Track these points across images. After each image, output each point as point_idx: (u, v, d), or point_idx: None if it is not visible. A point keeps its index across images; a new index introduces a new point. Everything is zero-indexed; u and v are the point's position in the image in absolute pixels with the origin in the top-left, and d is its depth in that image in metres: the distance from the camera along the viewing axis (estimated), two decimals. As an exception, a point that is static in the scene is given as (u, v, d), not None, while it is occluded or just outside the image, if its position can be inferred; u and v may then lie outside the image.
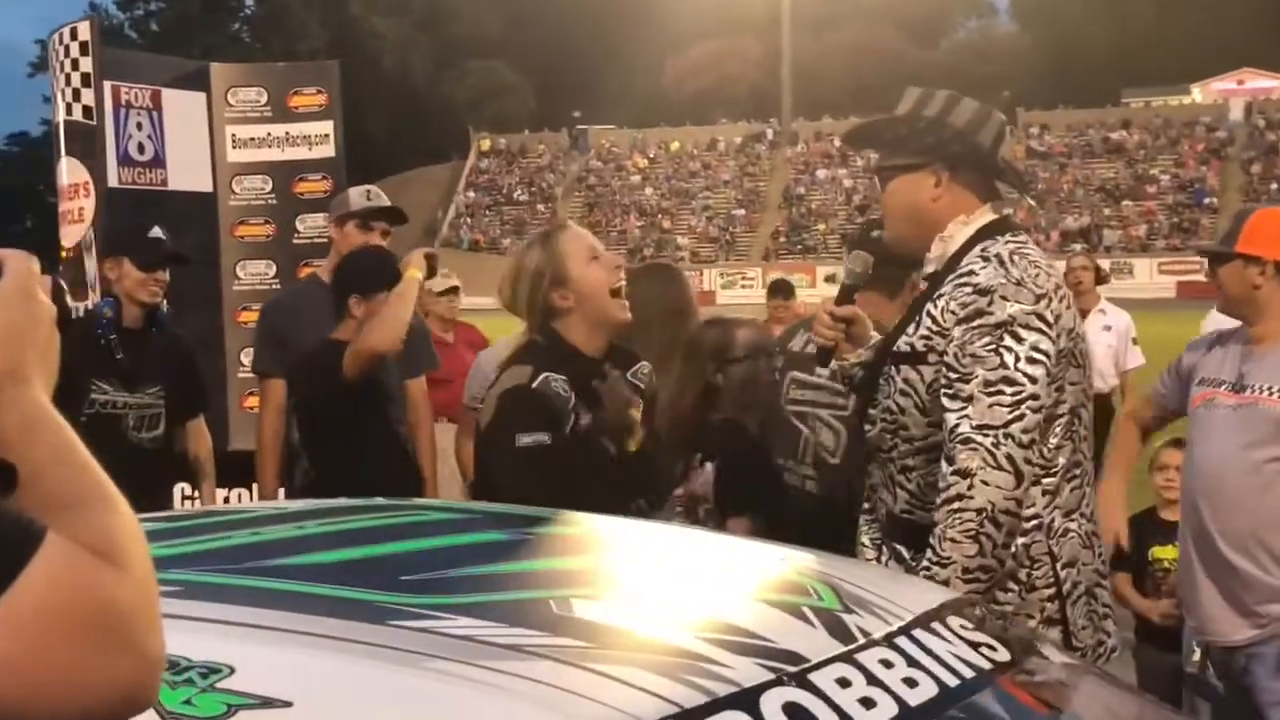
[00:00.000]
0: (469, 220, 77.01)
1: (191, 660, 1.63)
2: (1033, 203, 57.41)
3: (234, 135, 8.36)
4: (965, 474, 3.03)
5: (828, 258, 59.84)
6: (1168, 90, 78.48)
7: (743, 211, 73.86)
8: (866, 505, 3.53)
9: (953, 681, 1.92)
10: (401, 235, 6.02)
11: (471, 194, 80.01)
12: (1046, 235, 64.72)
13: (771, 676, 1.74)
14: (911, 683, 1.87)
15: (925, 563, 3.08)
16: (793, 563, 2.39)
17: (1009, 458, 3.04)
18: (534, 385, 3.59)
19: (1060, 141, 74.50)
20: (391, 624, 1.81)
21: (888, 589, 2.26)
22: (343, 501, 2.87)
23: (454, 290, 8.04)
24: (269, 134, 8.40)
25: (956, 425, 3.07)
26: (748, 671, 1.74)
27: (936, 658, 1.96)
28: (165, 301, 5.60)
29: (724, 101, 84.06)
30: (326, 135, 8.40)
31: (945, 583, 2.98)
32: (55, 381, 1.25)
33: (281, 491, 5.75)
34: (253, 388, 7.86)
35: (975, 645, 2.07)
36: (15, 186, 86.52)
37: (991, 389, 3.05)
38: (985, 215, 3.33)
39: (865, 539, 3.50)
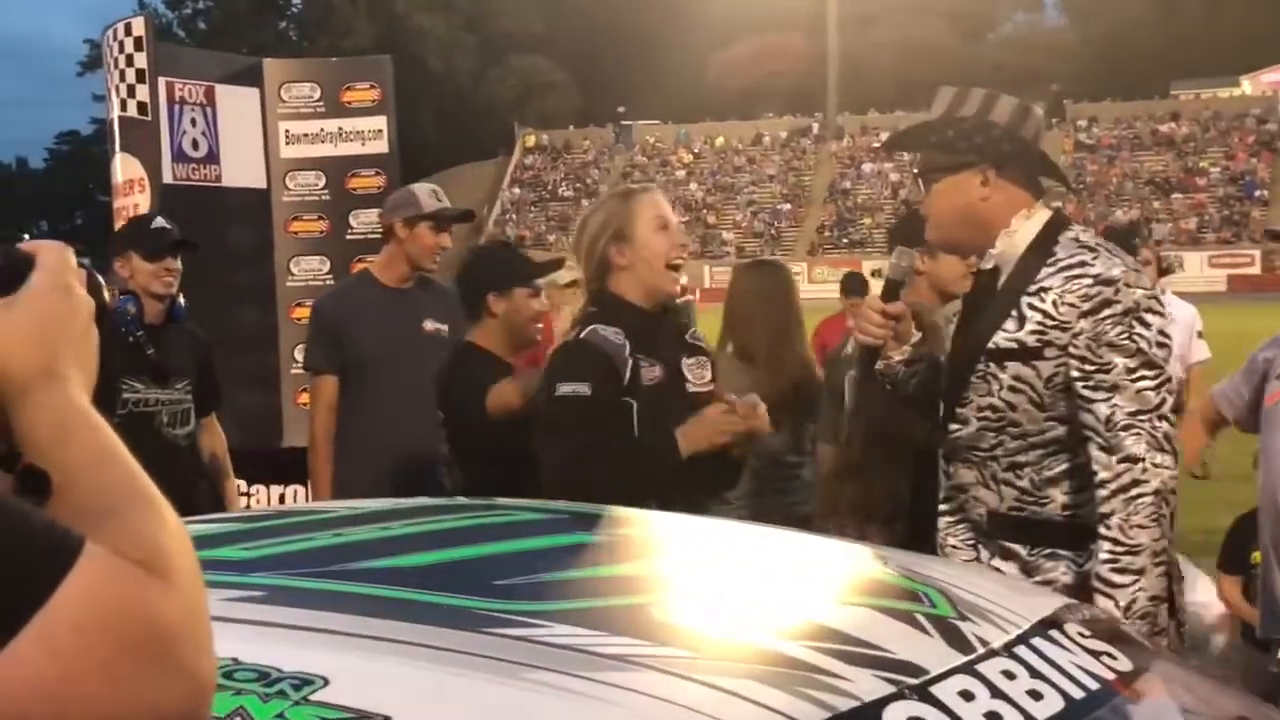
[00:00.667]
0: (514, 216, 77.12)
1: (283, 671, 1.54)
2: (1075, 195, 56.96)
3: (287, 131, 8.33)
4: (1135, 460, 3.10)
5: (874, 252, 59.53)
6: (1217, 82, 77.69)
7: (788, 206, 73.67)
8: (946, 507, 3.49)
9: (1078, 694, 1.82)
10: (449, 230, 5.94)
11: (517, 190, 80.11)
12: (1095, 228, 64.32)
13: (892, 690, 1.64)
14: (1036, 695, 1.76)
15: (1108, 555, 3.11)
16: (896, 565, 2.28)
17: (1166, 437, 3.14)
18: (581, 336, 3.75)
19: (1109, 134, 73.95)
20: (488, 631, 1.71)
21: (998, 593, 2.15)
22: (423, 501, 2.78)
23: (576, 283, 8.00)
24: (322, 129, 8.37)
25: (1111, 415, 3.12)
26: (867, 684, 1.63)
27: (1059, 668, 1.86)
28: (181, 296, 5.54)
29: (769, 96, 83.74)
30: (380, 130, 8.37)
31: (1141, 571, 3.07)
32: (95, 379, 1.18)
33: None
34: (306, 384, 7.83)
35: (1096, 654, 1.96)
36: (66, 184, 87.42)
37: (1135, 375, 3.12)
38: (1043, 210, 3.35)
39: (954, 540, 3.47)
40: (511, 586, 1.94)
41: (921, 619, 1.91)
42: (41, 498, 1.04)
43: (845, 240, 68.81)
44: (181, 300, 5.51)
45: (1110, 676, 1.92)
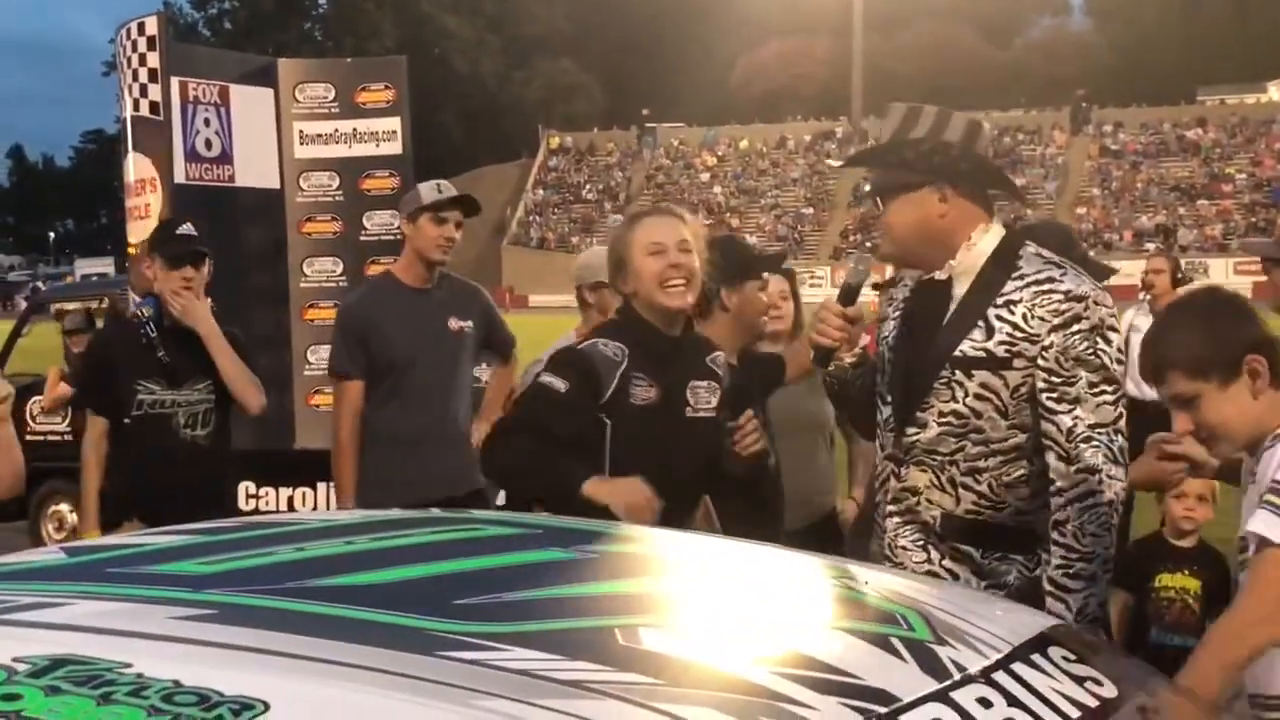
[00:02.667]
0: (538, 218, 77.15)
1: (224, 695, 1.49)
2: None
3: (301, 131, 8.31)
4: (1093, 470, 3.23)
5: (898, 257, 59.40)
6: (1243, 88, 77.32)
7: (811, 210, 73.53)
8: (894, 508, 3.54)
9: (1057, 722, 1.75)
10: (472, 232, 5.92)
11: (541, 192, 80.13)
12: (1120, 235, 64.03)
13: (859, 718, 1.58)
14: (1012, 725, 1.70)
15: (1061, 560, 3.23)
16: (877, 585, 2.22)
17: (1121, 451, 3.27)
18: (581, 345, 3.91)
19: (1134, 140, 73.60)
20: (441, 655, 1.66)
21: (981, 615, 2.09)
22: (395, 514, 2.73)
23: None
24: (336, 130, 8.34)
25: (1073, 426, 3.24)
26: (832, 713, 1.58)
27: (1039, 695, 1.80)
28: (210, 300, 5.55)
29: (794, 100, 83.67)
30: (394, 132, 8.34)
31: (1093, 578, 3.22)
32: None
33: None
34: (319, 385, 7.80)
35: (1080, 680, 1.90)
36: (91, 183, 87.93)
37: (1096, 389, 3.25)
38: (998, 225, 3.47)
39: (904, 542, 3.53)
40: (471, 606, 1.88)
41: (896, 643, 1.85)
42: None
43: (868, 244, 68.67)
44: (210, 303, 5.53)
45: (1093, 704, 1.86)
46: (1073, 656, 1.99)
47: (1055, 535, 3.25)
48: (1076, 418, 3.25)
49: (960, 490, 3.41)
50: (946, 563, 3.44)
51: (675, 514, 3.80)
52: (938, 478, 3.43)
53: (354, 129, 8.34)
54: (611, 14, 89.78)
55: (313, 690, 1.60)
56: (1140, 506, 5.49)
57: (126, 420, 5.43)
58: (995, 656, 1.88)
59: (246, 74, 8.34)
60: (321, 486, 7.51)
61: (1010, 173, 73.78)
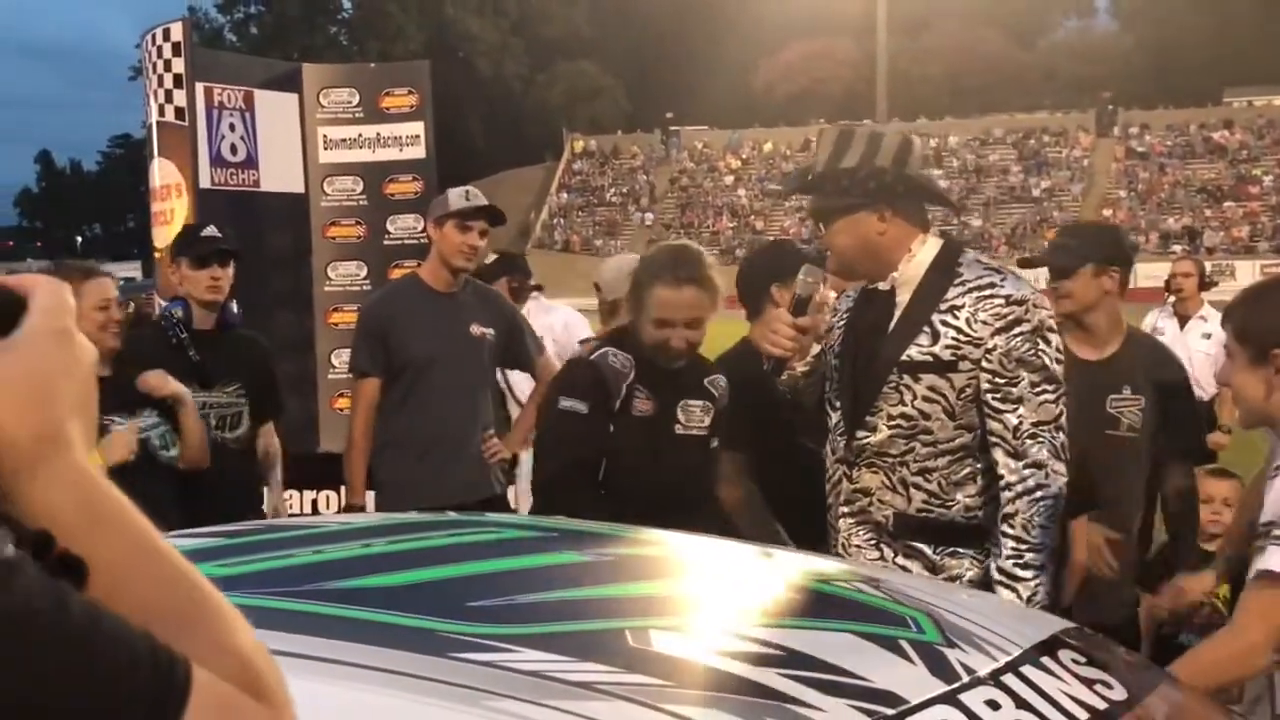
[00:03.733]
0: (562, 221, 77.15)
1: (238, 696, 1.51)
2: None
3: (325, 136, 8.36)
4: (1039, 465, 3.39)
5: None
6: (1271, 90, 76.70)
7: (836, 213, 73.29)
8: (847, 509, 3.66)
9: (1065, 724, 1.76)
10: (495, 236, 5.95)
11: (565, 195, 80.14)
12: (1146, 237, 63.72)
13: (866, 720, 1.60)
14: (1020, 726, 1.71)
15: (1012, 550, 3.38)
16: (888, 588, 2.23)
17: (1063, 446, 3.45)
18: (592, 358, 4.11)
19: (1160, 141, 73.26)
20: (454, 657, 1.68)
21: (992, 619, 2.10)
22: (413, 516, 2.75)
23: None
24: (360, 135, 8.39)
25: (1019, 424, 3.41)
26: (839, 714, 1.59)
27: (1047, 697, 1.81)
28: (235, 303, 5.59)
29: (818, 102, 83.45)
30: (417, 136, 8.38)
31: (1042, 567, 3.38)
32: (95, 439, 0.99)
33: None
34: (343, 389, 7.84)
35: (1089, 682, 1.91)
36: (119, 187, 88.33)
37: (1038, 388, 3.42)
38: (935, 237, 3.64)
39: (858, 541, 3.65)
40: (485, 608, 1.90)
41: (905, 645, 1.86)
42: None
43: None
44: (235, 306, 5.57)
45: (1103, 706, 1.87)
46: (1082, 659, 2.00)
47: (1005, 527, 3.40)
48: (1021, 416, 3.40)
49: (911, 490, 3.55)
50: (900, 560, 3.57)
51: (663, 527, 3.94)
52: (889, 479, 3.58)
53: (378, 134, 8.40)
54: (634, 17, 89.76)
55: (325, 691, 1.61)
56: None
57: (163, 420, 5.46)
58: (1004, 659, 1.89)
59: (271, 79, 8.40)
60: (345, 488, 7.55)
61: (1036, 175, 73.67)
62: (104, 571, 0.90)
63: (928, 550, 3.54)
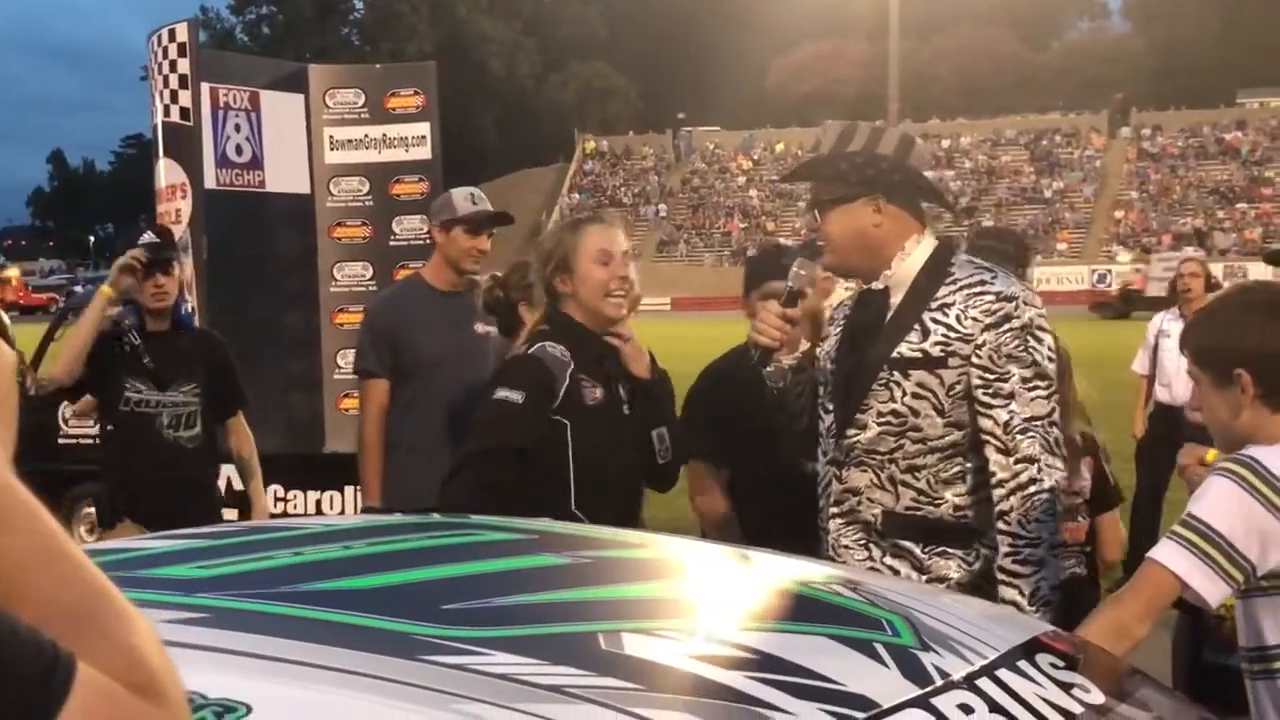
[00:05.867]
0: (573, 222, 77.16)
1: (206, 698, 1.51)
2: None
3: (331, 137, 8.37)
4: (1032, 460, 3.38)
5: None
6: (1284, 91, 76.72)
7: (848, 213, 73.24)
8: (837, 510, 3.67)
9: (1038, 729, 1.76)
10: (507, 237, 5.96)
11: (576, 196, 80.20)
12: (1158, 238, 63.60)
13: (836, 723, 1.59)
14: (992, 730, 1.71)
15: (1009, 548, 3.37)
16: (866, 590, 2.23)
17: (1057, 442, 3.44)
18: (531, 350, 4.05)
19: (1173, 143, 73.20)
20: (425, 659, 1.67)
21: (971, 622, 2.09)
22: (396, 519, 2.75)
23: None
24: (366, 135, 8.40)
25: (1009, 420, 3.40)
26: (810, 718, 1.59)
27: (1022, 701, 1.80)
28: (191, 305, 5.73)
29: (830, 103, 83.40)
30: (423, 137, 8.38)
31: (1041, 562, 3.36)
32: (13, 447, 1.01)
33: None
34: (349, 389, 7.85)
35: (1067, 686, 1.91)
36: (130, 187, 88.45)
37: (1029, 384, 3.40)
38: (930, 237, 3.62)
39: (846, 541, 3.65)
40: (458, 611, 1.90)
41: (880, 649, 1.86)
42: None
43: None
44: (188, 308, 5.68)
45: (1078, 710, 1.86)
46: (1061, 663, 1.99)
47: (1001, 525, 3.39)
48: (1012, 411, 3.39)
49: (900, 488, 3.55)
50: (888, 560, 3.58)
51: (625, 512, 4.01)
52: (878, 476, 3.57)
53: (384, 134, 8.41)
54: (647, 17, 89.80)
55: (295, 693, 1.62)
56: (1171, 511, 5.43)
57: (115, 415, 5.64)
58: (980, 663, 1.89)
59: (277, 80, 8.41)
60: (350, 490, 7.56)
61: (1048, 176, 73.54)
62: (6, 572, 0.91)
63: (916, 550, 3.54)
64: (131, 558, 2.31)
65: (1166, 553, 2.70)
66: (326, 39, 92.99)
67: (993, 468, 3.42)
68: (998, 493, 3.41)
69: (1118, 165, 72.37)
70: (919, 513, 3.53)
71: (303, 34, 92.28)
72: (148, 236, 5.66)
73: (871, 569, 3.51)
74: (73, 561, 0.94)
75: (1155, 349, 9.62)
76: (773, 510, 4.24)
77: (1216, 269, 10.32)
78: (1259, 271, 54.65)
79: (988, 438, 3.43)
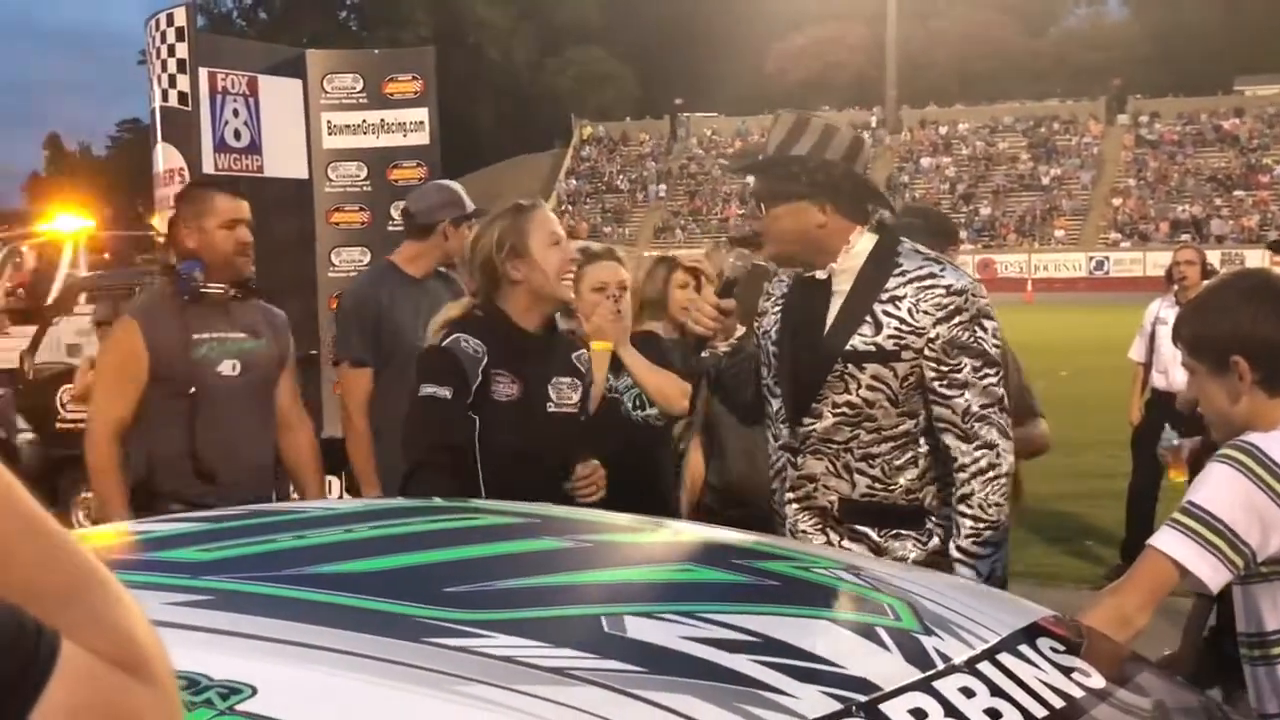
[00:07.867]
0: (570, 208, 77.13)
1: (212, 679, 1.52)
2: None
3: (330, 122, 8.35)
4: (990, 446, 3.54)
5: (931, 247, 59.05)
6: (1282, 78, 76.64)
7: (845, 199, 73.16)
8: (793, 495, 3.74)
9: (1040, 712, 1.77)
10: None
11: (573, 182, 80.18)
12: (1156, 226, 63.60)
13: (839, 707, 1.60)
14: (994, 714, 1.72)
15: (970, 530, 3.51)
16: (868, 575, 2.24)
17: (1009, 424, 3.60)
18: (444, 344, 4.03)
19: (1171, 130, 73.11)
20: (428, 641, 1.68)
21: (973, 607, 2.10)
22: (399, 502, 2.76)
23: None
24: (364, 120, 8.38)
25: (967, 408, 3.54)
26: (812, 702, 1.59)
27: (1023, 685, 1.81)
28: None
29: (828, 89, 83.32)
30: (421, 122, 8.38)
31: (999, 544, 3.53)
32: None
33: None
34: (345, 374, 7.85)
35: (1067, 670, 1.91)
36: (127, 171, 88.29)
37: (980, 373, 3.54)
38: (870, 229, 3.69)
39: (804, 526, 3.74)
40: (461, 594, 1.90)
41: (882, 633, 1.86)
42: None
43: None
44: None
45: (1079, 694, 1.87)
46: (1061, 647, 2.00)
47: (962, 508, 3.54)
48: (969, 400, 3.53)
49: (855, 475, 3.65)
50: (845, 543, 3.66)
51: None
52: (833, 465, 3.67)
53: (381, 119, 8.39)
54: (644, 2, 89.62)
55: (299, 675, 1.63)
56: (1166, 498, 5.44)
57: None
58: (981, 647, 1.90)
59: (275, 65, 8.38)
60: (360, 477, 7.56)
61: (1045, 163, 73.36)
62: None
63: (872, 534, 3.65)
64: (136, 540, 2.31)
65: (1167, 540, 2.71)
66: (323, 24, 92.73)
67: (954, 454, 3.56)
68: (960, 477, 3.55)
69: (1115, 152, 72.29)
70: (874, 499, 3.64)
71: (299, 18, 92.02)
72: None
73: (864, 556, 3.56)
74: (55, 539, 0.93)
75: (1152, 336, 9.64)
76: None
77: (1214, 257, 10.30)
78: (1256, 259, 54.78)
79: (946, 425, 3.57)
